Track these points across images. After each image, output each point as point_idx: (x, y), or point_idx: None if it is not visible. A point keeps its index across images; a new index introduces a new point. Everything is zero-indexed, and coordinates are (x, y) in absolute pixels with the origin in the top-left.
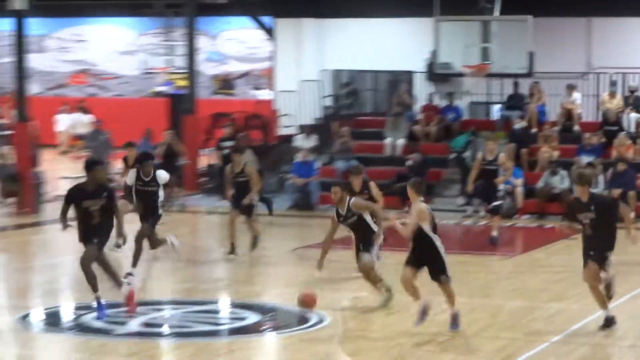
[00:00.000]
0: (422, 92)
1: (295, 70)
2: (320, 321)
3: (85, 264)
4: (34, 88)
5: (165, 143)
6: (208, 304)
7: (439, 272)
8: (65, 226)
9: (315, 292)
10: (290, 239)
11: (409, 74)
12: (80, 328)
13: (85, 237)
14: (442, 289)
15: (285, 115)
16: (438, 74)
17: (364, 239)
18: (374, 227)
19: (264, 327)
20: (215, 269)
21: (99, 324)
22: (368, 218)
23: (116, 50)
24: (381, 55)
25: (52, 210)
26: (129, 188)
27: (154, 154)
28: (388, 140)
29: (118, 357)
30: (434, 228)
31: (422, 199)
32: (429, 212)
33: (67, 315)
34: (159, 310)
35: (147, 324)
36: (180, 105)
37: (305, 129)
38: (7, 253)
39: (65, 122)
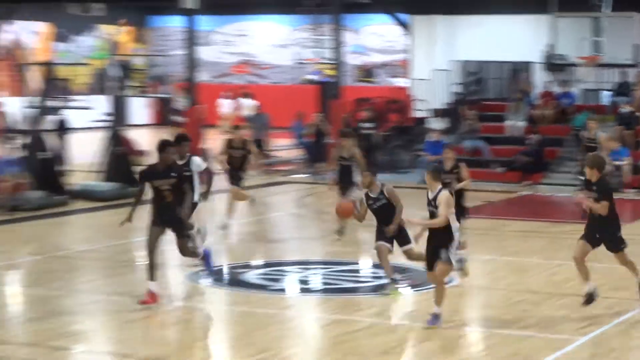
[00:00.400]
0: (540, 80)
1: (428, 60)
2: (450, 280)
3: (149, 246)
4: (202, 76)
5: (315, 124)
6: (352, 264)
7: (441, 247)
8: (129, 219)
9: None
10: (421, 208)
11: (528, 64)
12: (242, 284)
13: (156, 216)
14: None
15: (419, 100)
16: (554, 64)
17: (386, 224)
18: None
19: (400, 285)
20: (358, 234)
21: (256, 280)
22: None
23: (273, 44)
24: (504, 48)
25: (217, 181)
26: None
27: (188, 136)
28: (510, 122)
29: (275, 309)
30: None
31: (440, 185)
32: (451, 198)
33: (228, 272)
34: (310, 269)
35: (300, 281)
36: (327, 91)
37: (437, 113)
38: None
39: (228, 106)
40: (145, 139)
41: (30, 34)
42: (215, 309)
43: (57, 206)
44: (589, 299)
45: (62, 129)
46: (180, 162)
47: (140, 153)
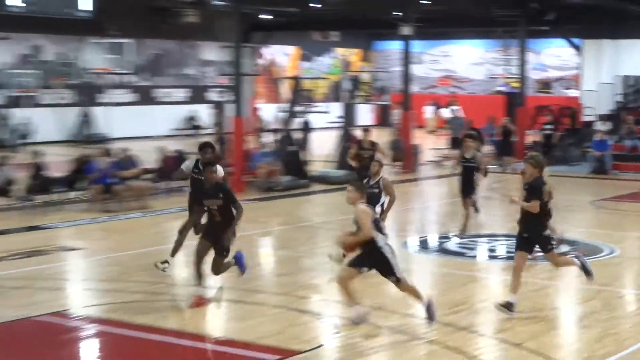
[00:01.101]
0: None
1: (595, 75)
2: (612, 251)
3: (197, 258)
4: (413, 88)
5: (503, 126)
6: None
7: (386, 274)
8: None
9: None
10: (588, 194)
11: None
12: (443, 251)
13: (208, 232)
14: (399, 289)
15: (587, 107)
16: None
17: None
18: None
19: (570, 255)
20: None
21: (455, 249)
22: (383, 198)
23: (470, 62)
24: None
25: (424, 170)
26: (186, 176)
27: (212, 144)
28: None
29: (469, 271)
30: (376, 225)
31: (363, 200)
32: (370, 210)
33: (433, 242)
34: (497, 240)
35: (489, 249)
36: (513, 100)
37: (602, 117)
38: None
39: (432, 111)
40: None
41: (282, 55)
42: (422, 271)
43: (301, 188)
44: (507, 306)
45: (306, 128)
46: (202, 167)
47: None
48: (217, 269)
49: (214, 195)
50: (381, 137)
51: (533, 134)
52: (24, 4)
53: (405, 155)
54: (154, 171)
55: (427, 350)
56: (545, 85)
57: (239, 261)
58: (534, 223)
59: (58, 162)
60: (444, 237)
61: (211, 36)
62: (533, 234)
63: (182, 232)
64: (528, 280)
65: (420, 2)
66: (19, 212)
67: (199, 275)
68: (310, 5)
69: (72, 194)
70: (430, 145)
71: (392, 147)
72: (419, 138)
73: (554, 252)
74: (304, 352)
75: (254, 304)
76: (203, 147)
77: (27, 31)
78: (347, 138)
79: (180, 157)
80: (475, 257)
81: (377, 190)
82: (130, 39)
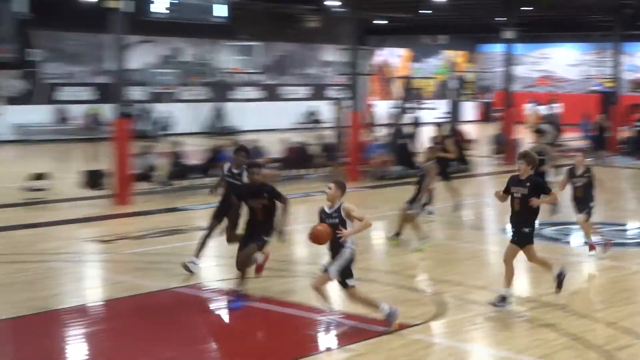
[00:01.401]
0: None
1: None
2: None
3: (240, 262)
4: (514, 87)
5: (598, 122)
6: (622, 225)
7: (343, 277)
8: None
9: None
10: None
11: None
12: (539, 237)
13: (248, 232)
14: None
15: None
16: None
17: (415, 196)
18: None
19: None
20: (628, 202)
21: (550, 234)
22: (425, 183)
23: (567, 63)
24: None
25: None
26: (221, 178)
27: (246, 147)
28: None
29: (563, 256)
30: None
31: (342, 199)
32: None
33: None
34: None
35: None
36: (607, 98)
37: None
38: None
39: (531, 109)
40: (473, 131)
41: (395, 57)
42: (519, 255)
43: (411, 177)
44: (560, 278)
45: (415, 123)
46: (235, 171)
47: (469, 141)
48: (244, 261)
49: (258, 195)
50: (485, 132)
51: (626, 130)
52: (167, 11)
53: (507, 149)
54: (278, 160)
55: (525, 327)
56: (638, 85)
57: (236, 303)
58: (524, 218)
59: (194, 151)
60: (543, 224)
61: (331, 39)
62: (518, 228)
63: (231, 238)
64: (622, 265)
65: (522, 8)
66: (160, 195)
67: (244, 279)
68: (421, 11)
69: (207, 180)
70: (529, 140)
71: (495, 141)
72: (519, 133)
73: (528, 249)
74: (412, 326)
75: (368, 281)
76: (237, 150)
77: (169, 35)
78: (453, 132)
79: (302, 148)
80: (569, 242)
81: (420, 178)
82: (259, 42)
